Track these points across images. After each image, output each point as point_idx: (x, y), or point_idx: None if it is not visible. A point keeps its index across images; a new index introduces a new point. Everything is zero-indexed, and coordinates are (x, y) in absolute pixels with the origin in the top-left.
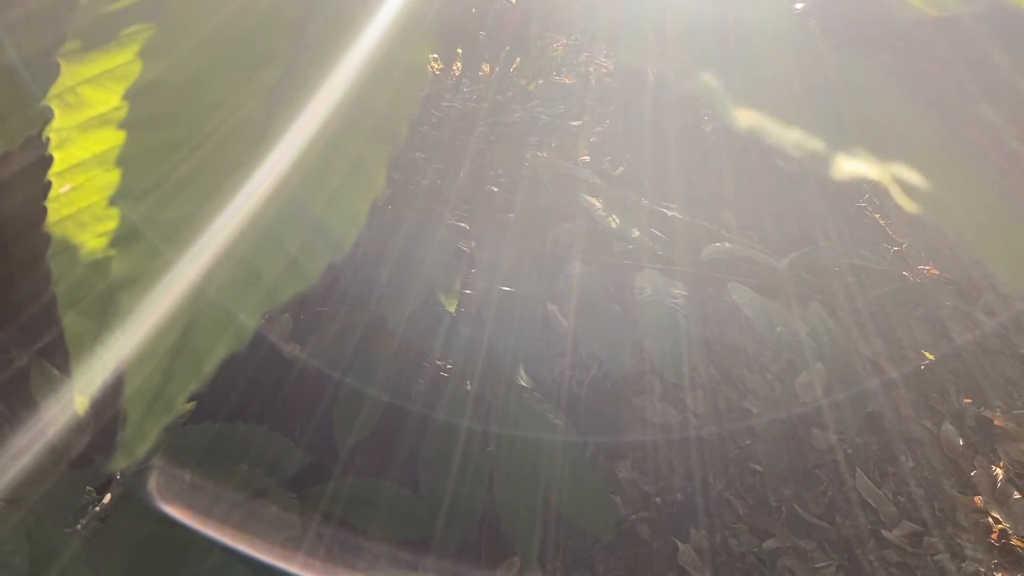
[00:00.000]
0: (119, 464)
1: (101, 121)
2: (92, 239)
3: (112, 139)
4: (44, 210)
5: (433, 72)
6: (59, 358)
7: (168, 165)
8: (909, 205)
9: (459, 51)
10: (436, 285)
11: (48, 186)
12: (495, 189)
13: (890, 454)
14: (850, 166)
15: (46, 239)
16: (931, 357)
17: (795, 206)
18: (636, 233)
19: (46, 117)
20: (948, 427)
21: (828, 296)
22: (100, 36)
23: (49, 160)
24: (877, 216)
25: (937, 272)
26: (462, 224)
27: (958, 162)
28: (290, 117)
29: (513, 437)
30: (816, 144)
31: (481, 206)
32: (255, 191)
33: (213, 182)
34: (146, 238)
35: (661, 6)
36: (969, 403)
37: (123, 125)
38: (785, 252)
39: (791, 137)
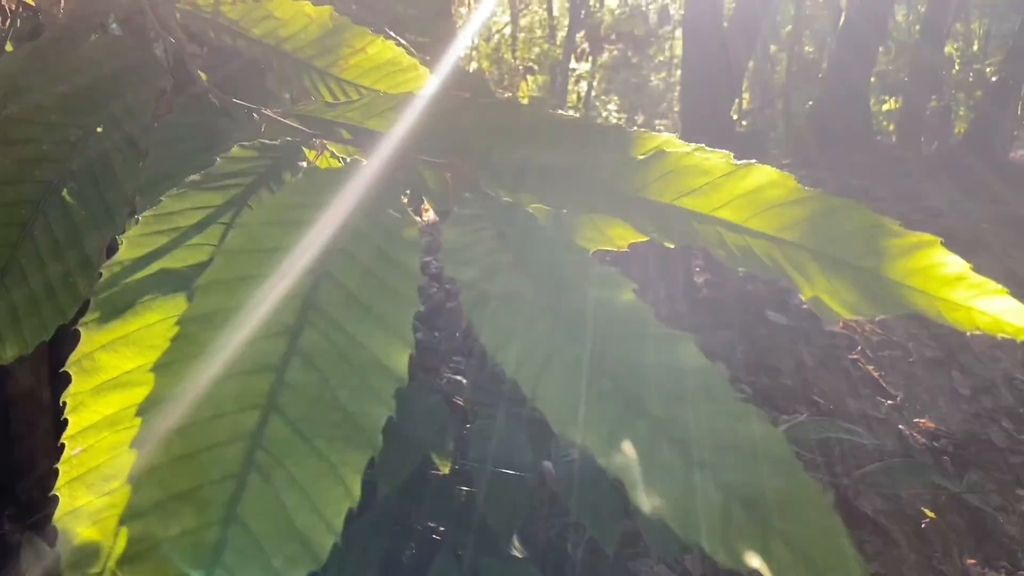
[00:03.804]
0: None
1: (114, 385)
2: (96, 499)
3: (122, 401)
4: (41, 386)
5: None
6: (50, 533)
7: (172, 481)
8: None
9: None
10: (430, 446)
11: (62, 448)
12: None
13: None
14: None
15: (43, 411)
16: (931, 515)
17: (789, 357)
18: None
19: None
20: None
21: (813, 469)
22: (117, 306)
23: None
24: (871, 368)
25: (933, 425)
26: (457, 377)
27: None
28: (272, 423)
29: None
30: None
31: (476, 359)
32: (246, 500)
33: (211, 495)
34: (152, 555)
35: None
36: (973, 563)
37: (133, 444)
38: (779, 404)
39: None
